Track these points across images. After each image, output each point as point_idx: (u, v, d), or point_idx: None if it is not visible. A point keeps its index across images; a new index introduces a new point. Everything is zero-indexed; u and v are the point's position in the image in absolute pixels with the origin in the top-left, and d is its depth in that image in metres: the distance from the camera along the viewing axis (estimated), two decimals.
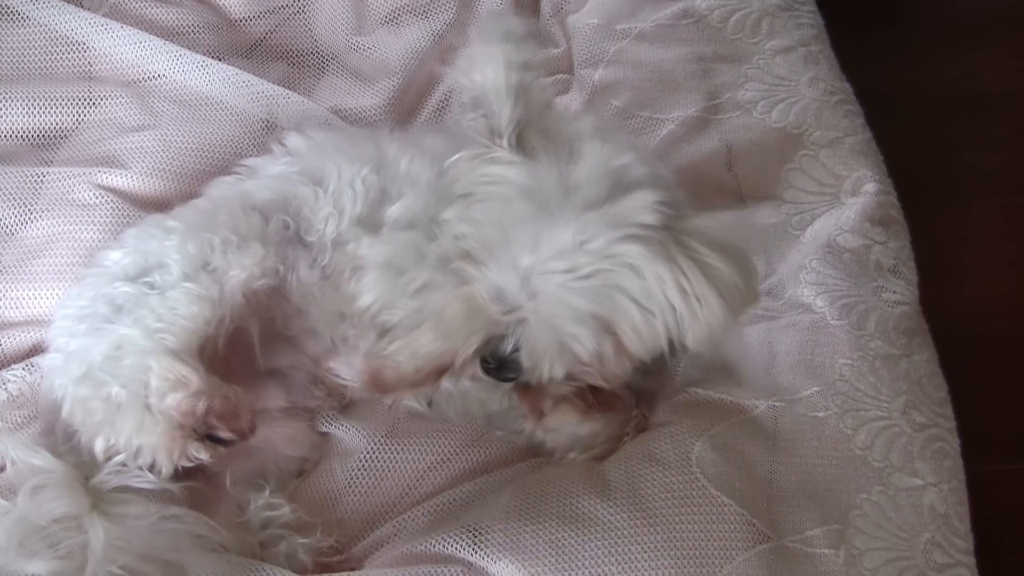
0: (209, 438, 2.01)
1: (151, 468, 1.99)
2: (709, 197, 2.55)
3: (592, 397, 2.02)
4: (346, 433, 2.18)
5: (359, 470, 2.12)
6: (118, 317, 2.00)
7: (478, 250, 1.87)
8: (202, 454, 2.00)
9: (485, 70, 1.87)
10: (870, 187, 2.46)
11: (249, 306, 2.08)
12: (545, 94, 1.97)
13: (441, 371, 1.99)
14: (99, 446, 1.99)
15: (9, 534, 1.87)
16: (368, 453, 2.13)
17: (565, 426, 2.04)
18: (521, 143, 1.89)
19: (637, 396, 2.11)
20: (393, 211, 2.08)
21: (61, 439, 2.04)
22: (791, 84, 2.71)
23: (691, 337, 1.85)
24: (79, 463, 2.01)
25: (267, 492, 2.08)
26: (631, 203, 1.81)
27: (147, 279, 2.02)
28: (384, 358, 2.02)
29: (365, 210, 2.12)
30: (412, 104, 2.88)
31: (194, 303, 2.01)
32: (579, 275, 1.80)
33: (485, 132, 1.90)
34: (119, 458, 1.99)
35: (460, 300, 1.90)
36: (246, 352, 2.12)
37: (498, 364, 1.93)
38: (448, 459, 2.12)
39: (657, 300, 1.82)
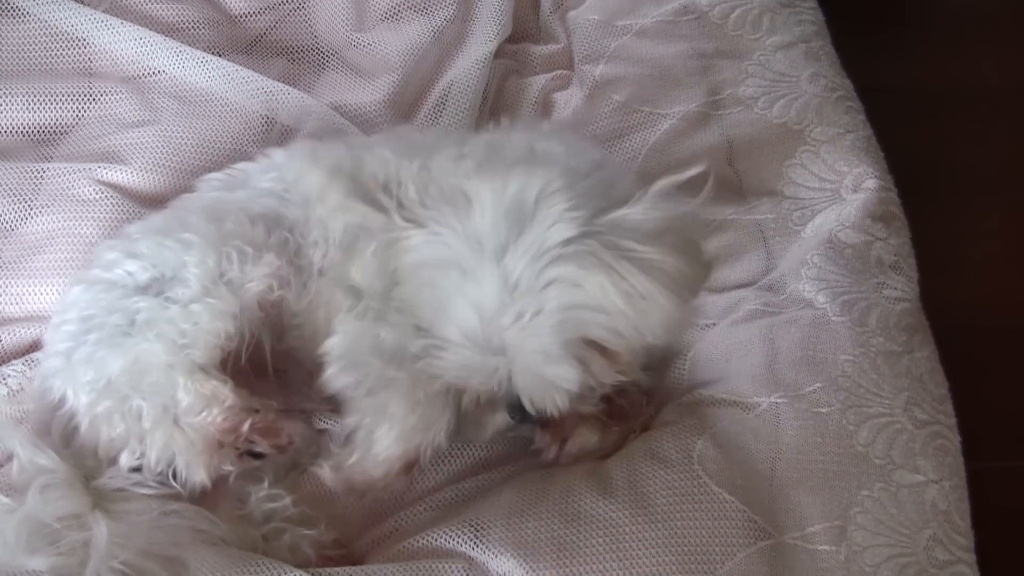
0: (247, 452, 2.04)
1: (175, 477, 2.01)
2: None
3: (609, 411, 2.02)
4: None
5: None
6: (137, 330, 1.99)
7: (428, 334, 1.89)
8: (237, 467, 2.03)
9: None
10: (871, 183, 2.46)
11: (264, 317, 2.08)
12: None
13: (410, 466, 2.01)
14: (125, 460, 1.99)
15: (17, 531, 1.88)
16: None
17: (586, 446, 2.03)
18: (413, 217, 1.88)
19: (647, 395, 2.12)
20: (355, 275, 2.05)
21: (59, 439, 2.04)
22: (792, 80, 2.71)
23: (648, 335, 1.85)
24: (78, 463, 2.01)
25: (266, 484, 2.07)
26: (540, 228, 1.79)
27: (166, 293, 2.00)
28: (350, 468, 2.02)
29: (348, 240, 2.11)
30: (412, 100, 2.87)
31: (217, 318, 2.00)
32: (528, 318, 1.79)
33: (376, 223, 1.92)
34: (131, 464, 2.00)
35: (414, 400, 1.95)
36: (259, 361, 2.12)
37: (520, 415, 1.93)
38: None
39: (609, 304, 1.81)
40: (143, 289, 2.02)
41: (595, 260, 1.78)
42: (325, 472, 2.03)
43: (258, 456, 2.06)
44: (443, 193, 1.87)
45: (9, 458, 2.08)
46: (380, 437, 1.97)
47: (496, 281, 1.79)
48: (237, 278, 2.03)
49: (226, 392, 2.01)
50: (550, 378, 1.84)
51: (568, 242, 1.78)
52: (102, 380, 1.99)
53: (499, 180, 1.83)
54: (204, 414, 1.99)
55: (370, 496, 2.05)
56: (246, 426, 2.01)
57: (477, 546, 1.87)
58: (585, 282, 1.78)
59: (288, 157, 2.23)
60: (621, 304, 1.79)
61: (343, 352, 2.02)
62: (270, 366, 2.12)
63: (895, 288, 2.24)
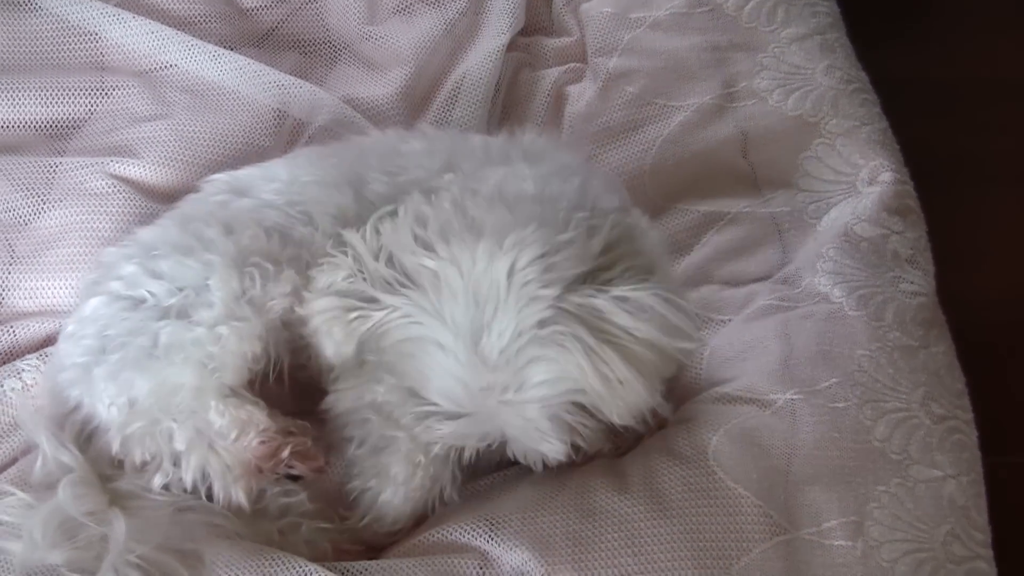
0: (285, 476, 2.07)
1: (210, 497, 2.02)
2: (724, 186, 2.56)
3: (621, 440, 2.01)
4: None
5: None
6: (163, 353, 1.97)
7: (421, 400, 1.88)
8: (273, 487, 2.05)
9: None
10: (887, 176, 2.46)
11: (287, 334, 2.06)
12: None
13: (421, 520, 2.02)
14: (158, 481, 2.00)
15: (44, 526, 1.89)
16: None
17: (600, 452, 2.00)
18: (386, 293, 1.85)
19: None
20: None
21: (73, 439, 2.04)
22: (807, 72, 2.70)
23: (616, 415, 1.82)
24: (95, 465, 2.02)
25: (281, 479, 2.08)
26: (514, 309, 1.76)
27: (190, 315, 1.99)
28: (362, 531, 2.03)
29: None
30: (424, 93, 2.86)
31: (244, 340, 2.00)
32: (512, 394, 1.78)
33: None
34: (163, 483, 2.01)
35: (415, 463, 1.95)
36: (279, 376, 2.12)
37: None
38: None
39: (587, 386, 1.78)
40: (167, 311, 1.99)
41: (572, 342, 1.75)
42: (345, 545, 2.02)
43: (295, 479, 2.07)
44: (409, 271, 1.83)
45: (24, 453, 2.10)
46: (387, 500, 1.98)
47: (476, 361, 1.77)
48: (259, 297, 2.01)
49: (261, 416, 2.02)
50: (542, 450, 1.84)
51: (544, 323, 1.76)
52: (123, 397, 1.99)
53: (467, 257, 1.79)
54: (240, 439, 2.00)
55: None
56: (286, 452, 2.03)
57: (492, 540, 1.87)
58: (563, 363, 1.76)
59: (288, 167, 2.22)
60: (599, 387, 1.77)
61: (344, 410, 2.03)
62: (287, 380, 2.11)
63: (911, 282, 2.23)
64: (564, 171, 2.03)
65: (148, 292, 2.01)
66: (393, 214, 1.94)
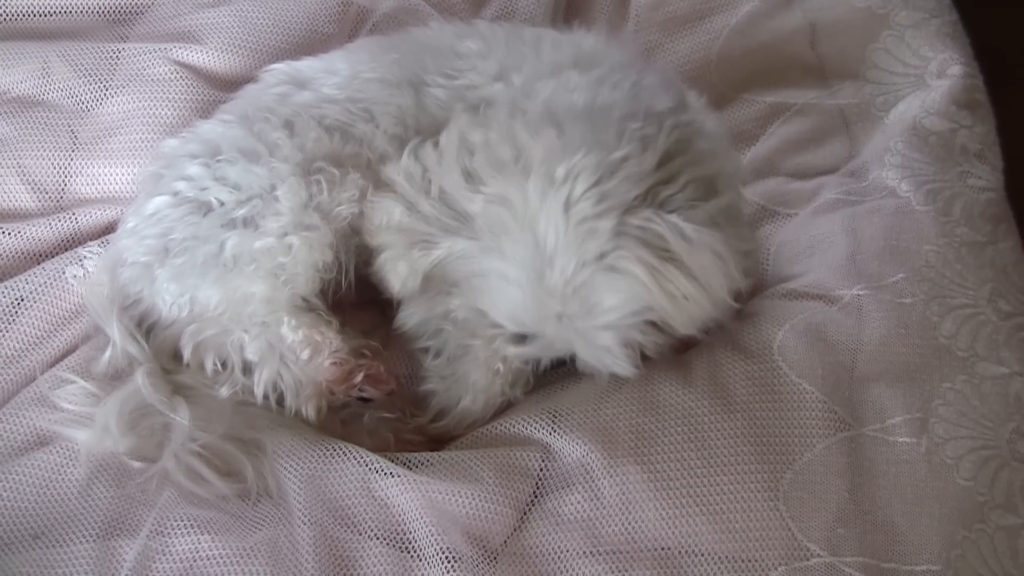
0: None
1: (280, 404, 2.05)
2: (792, 77, 2.54)
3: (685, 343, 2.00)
4: None
5: None
6: (231, 261, 1.99)
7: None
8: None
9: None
10: (956, 70, 2.43)
11: (356, 239, 2.06)
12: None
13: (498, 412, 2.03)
14: (226, 392, 2.02)
15: (119, 414, 1.92)
16: None
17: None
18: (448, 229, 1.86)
19: None
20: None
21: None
22: None
23: (683, 328, 1.84)
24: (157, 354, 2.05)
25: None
26: (575, 240, 1.76)
27: (258, 223, 1.99)
28: (434, 429, 2.04)
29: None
30: None
31: (315, 249, 2.01)
32: (580, 320, 1.80)
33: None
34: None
35: (494, 371, 1.97)
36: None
37: None
38: None
39: (655, 303, 1.79)
40: (234, 220, 1.99)
41: (635, 265, 1.76)
42: (407, 436, 2.04)
43: (366, 400, 2.08)
44: (461, 210, 1.84)
45: (84, 341, 2.12)
46: (466, 406, 1.99)
47: (542, 293, 1.79)
48: (327, 203, 2.02)
49: (334, 338, 2.04)
50: (613, 370, 1.86)
51: (605, 253, 1.77)
52: (186, 296, 2.01)
53: (518, 195, 1.79)
54: (312, 360, 2.02)
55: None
56: (359, 377, 2.04)
57: (554, 432, 1.88)
58: (630, 286, 1.77)
59: (348, 61, 2.20)
60: (666, 304, 1.79)
61: (417, 323, 2.04)
62: (352, 277, 2.12)
63: (980, 177, 2.21)
64: (616, 73, 2.01)
65: (216, 199, 2.01)
66: (433, 141, 1.95)
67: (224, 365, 2.04)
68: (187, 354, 2.03)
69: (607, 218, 1.75)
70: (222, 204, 2.00)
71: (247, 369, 2.03)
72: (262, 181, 2.00)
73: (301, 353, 2.01)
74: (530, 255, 1.78)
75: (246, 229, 1.98)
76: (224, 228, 1.99)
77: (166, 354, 2.05)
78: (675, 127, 1.88)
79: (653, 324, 1.84)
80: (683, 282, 1.77)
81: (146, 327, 2.07)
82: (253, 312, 2.00)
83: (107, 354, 2.03)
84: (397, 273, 1.91)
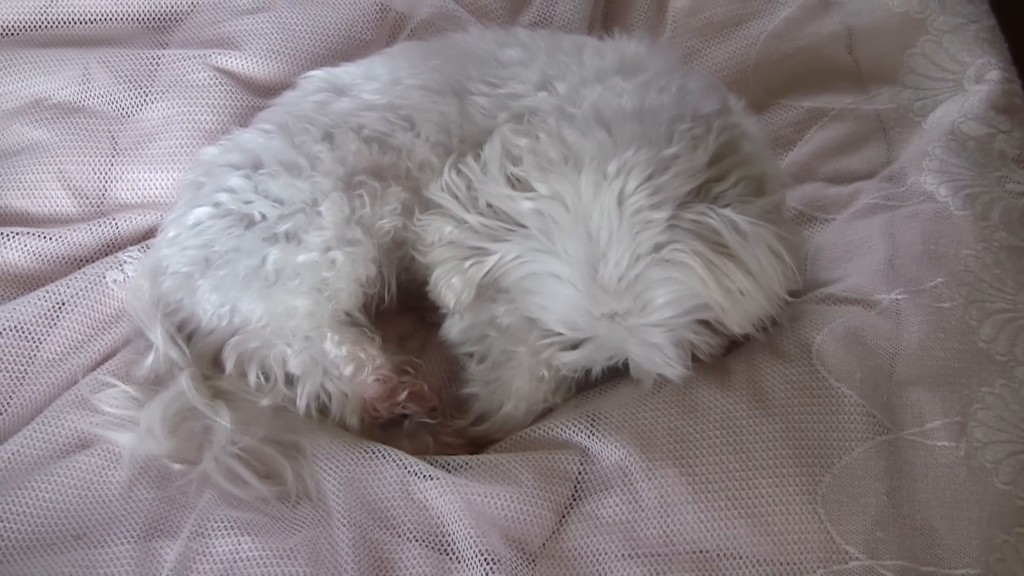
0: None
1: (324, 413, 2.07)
2: (829, 82, 2.54)
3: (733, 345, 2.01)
4: None
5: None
6: (274, 276, 2.00)
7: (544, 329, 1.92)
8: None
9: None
10: (994, 75, 2.43)
11: (399, 252, 2.10)
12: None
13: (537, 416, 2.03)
14: (267, 402, 2.03)
15: (163, 416, 1.93)
16: None
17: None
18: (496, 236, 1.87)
19: None
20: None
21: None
22: None
23: (738, 326, 1.85)
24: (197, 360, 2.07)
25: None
26: (628, 235, 1.78)
27: (301, 237, 2.00)
28: (473, 433, 2.05)
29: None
30: None
31: (359, 264, 2.02)
32: (633, 318, 1.82)
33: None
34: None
35: (538, 377, 1.98)
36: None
37: None
38: None
39: (710, 299, 1.81)
40: (276, 234, 2.00)
41: (692, 258, 1.77)
42: (446, 439, 2.05)
43: (405, 416, 2.09)
44: (510, 215, 1.85)
45: (124, 345, 2.14)
46: (508, 412, 2.00)
47: (595, 289, 1.80)
48: (369, 217, 2.03)
49: (375, 353, 2.06)
50: (664, 373, 1.87)
51: (660, 245, 1.78)
52: (226, 307, 2.03)
53: (570, 190, 1.80)
54: (355, 376, 2.04)
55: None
56: (403, 396, 2.06)
57: (593, 436, 1.88)
58: (685, 281, 1.79)
59: (388, 67, 2.21)
60: (722, 299, 1.80)
61: (461, 331, 2.06)
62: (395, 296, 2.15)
63: (1018, 182, 2.20)
64: (661, 78, 2.02)
65: (258, 212, 2.02)
66: (473, 154, 1.96)
67: (267, 377, 2.05)
68: (229, 365, 2.04)
69: (661, 210, 1.77)
70: (264, 217, 2.02)
71: (290, 381, 2.04)
72: (304, 195, 2.01)
73: (344, 369, 2.03)
74: (584, 250, 1.79)
75: (288, 243, 1.99)
76: (266, 242, 2.00)
77: (206, 360, 2.07)
78: (723, 129, 1.90)
79: (706, 323, 1.86)
80: (739, 276, 1.79)
81: (186, 333, 2.09)
82: (296, 326, 2.02)
83: (150, 359, 2.04)
84: (452, 287, 1.92)
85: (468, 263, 1.88)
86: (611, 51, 2.13)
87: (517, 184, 1.85)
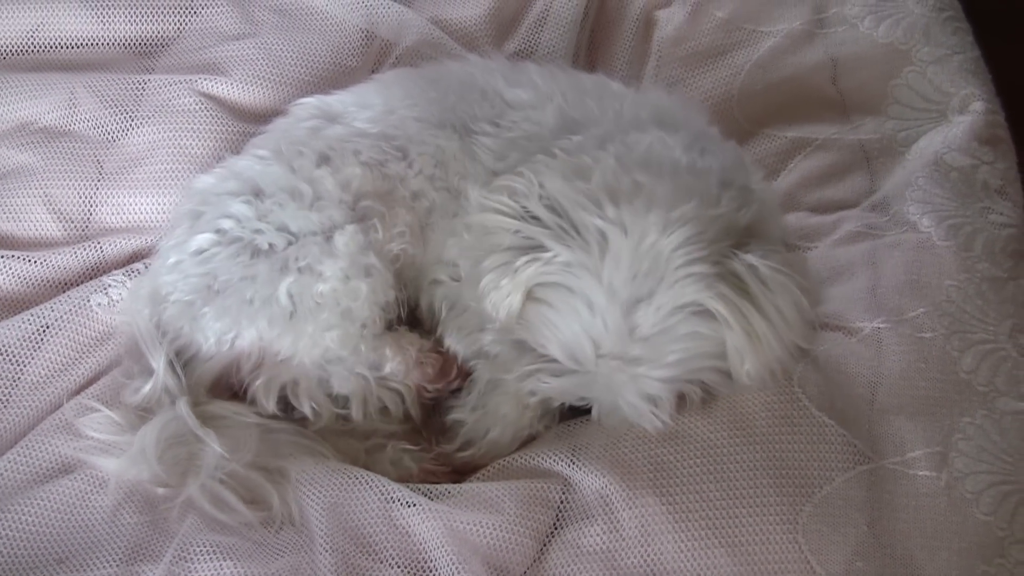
0: None
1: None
2: (813, 112, 2.54)
3: None
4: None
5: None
6: (289, 305, 2.00)
7: (534, 354, 1.92)
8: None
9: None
10: (978, 106, 2.43)
11: (411, 273, 2.14)
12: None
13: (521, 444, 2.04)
14: (316, 425, 2.06)
15: (157, 441, 1.93)
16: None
17: None
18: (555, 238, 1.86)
19: None
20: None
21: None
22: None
23: (748, 375, 1.85)
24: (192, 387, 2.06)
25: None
26: (673, 285, 1.79)
27: (317, 270, 1.99)
28: (458, 459, 2.06)
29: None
30: (512, 16, 2.84)
31: (379, 291, 2.04)
32: (645, 368, 1.82)
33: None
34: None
35: (524, 404, 1.99)
36: None
37: None
38: None
39: (729, 346, 1.82)
40: (287, 264, 2.00)
41: (720, 303, 1.79)
42: (429, 466, 2.06)
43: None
44: (576, 223, 1.84)
45: (109, 369, 2.14)
46: (494, 438, 2.01)
47: (622, 328, 1.80)
48: (379, 241, 2.04)
49: (413, 338, 2.11)
50: (642, 424, 1.87)
51: (696, 302, 1.79)
52: (230, 334, 2.01)
53: (638, 225, 1.81)
54: (408, 370, 2.08)
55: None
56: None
57: (574, 465, 1.88)
58: (711, 333, 1.81)
59: (382, 95, 2.22)
60: (742, 342, 1.81)
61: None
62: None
63: (1001, 213, 2.20)
64: (701, 140, 2.06)
65: (267, 241, 2.01)
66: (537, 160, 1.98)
67: (317, 408, 2.06)
68: (270, 403, 2.04)
69: (707, 264, 1.79)
70: (272, 247, 2.01)
71: (338, 402, 2.08)
72: (314, 225, 2.01)
73: (396, 368, 2.06)
74: (629, 288, 1.79)
75: (302, 275, 1.99)
76: (278, 272, 1.99)
77: (202, 387, 2.05)
78: (756, 201, 1.95)
79: (717, 373, 1.88)
80: (760, 322, 1.81)
81: (183, 360, 2.07)
82: (327, 352, 2.02)
83: (147, 387, 2.02)
84: (499, 290, 1.89)
85: (523, 260, 1.86)
86: (643, 100, 2.18)
87: (590, 196, 1.85)
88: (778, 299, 1.81)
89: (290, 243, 2.00)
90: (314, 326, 1.99)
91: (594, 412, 1.93)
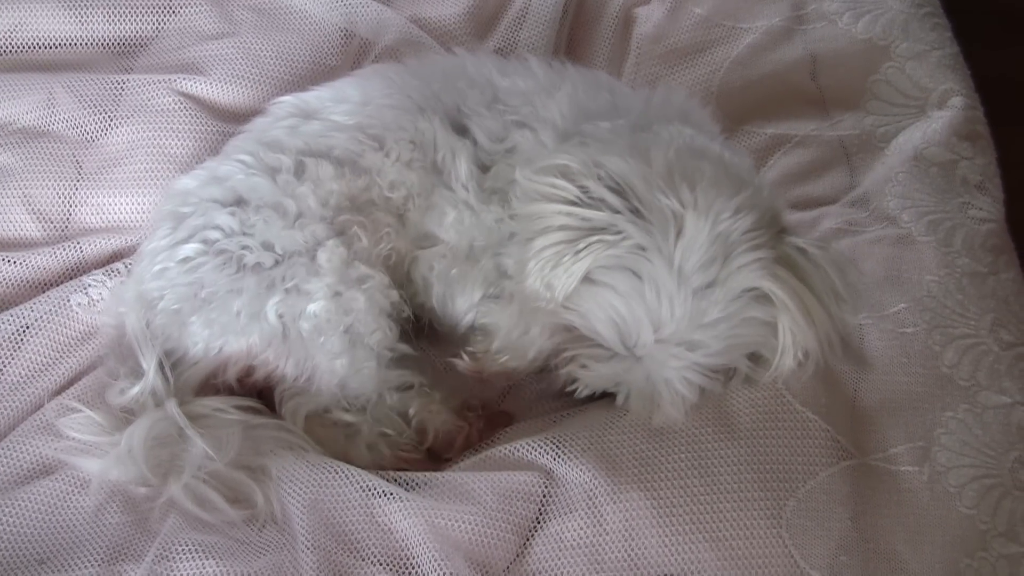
0: None
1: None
2: (792, 108, 2.55)
3: None
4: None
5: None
6: (279, 325, 2.00)
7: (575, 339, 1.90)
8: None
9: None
10: (957, 101, 2.44)
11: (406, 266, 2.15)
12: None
13: (539, 366, 2.03)
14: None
15: (144, 441, 1.92)
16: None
17: None
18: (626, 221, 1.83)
19: None
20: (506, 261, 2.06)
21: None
22: None
23: (794, 356, 1.85)
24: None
25: None
26: (739, 271, 1.79)
27: (303, 288, 1.99)
28: (489, 358, 2.05)
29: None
30: (492, 14, 2.84)
31: (377, 296, 2.04)
32: (700, 355, 1.81)
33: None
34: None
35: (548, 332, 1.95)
36: None
37: None
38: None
39: (781, 328, 1.83)
40: (275, 282, 1.99)
41: (784, 288, 1.79)
42: (463, 360, 2.07)
43: None
44: (645, 203, 1.81)
45: (89, 370, 2.14)
46: (534, 337, 1.97)
47: (689, 312, 1.78)
48: (366, 249, 2.05)
49: (434, 408, 2.10)
50: (666, 412, 1.86)
51: (757, 287, 1.80)
52: (217, 342, 2.01)
53: (714, 209, 1.79)
54: (423, 439, 2.08)
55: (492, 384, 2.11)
56: (476, 437, 2.08)
57: (558, 458, 1.88)
58: (766, 316, 1.82)
59: (360, 88, 2.21)
60: (800, 322, 1.81)
61: (502, 340, 2.05)
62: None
63: (980, 208, 2.22)
64: (720, 137, 2.12)
65: (254, 259, 1.99)
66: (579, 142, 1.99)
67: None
68: (295, 424, 2.05)
69: (767, 249, 1.80)
70: (259, 264, 2.00)
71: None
72: (298, 244, 2.01)
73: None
74: (702, 272, 1.78)
75: (288, 295, 1.98)
76: (266, 289, 1.99)
77: (189, 389, 2.04)
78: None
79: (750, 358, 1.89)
80: (811, 300, 1.81)
81: (171, 362, 2.05)
82: (343, 381, 2.04)
83: (136, 388, 2.00)
84: (561, 269, 1.85)
85: (584, 243, 1.82)
86: (667, 97, 2.19)
87: (653, 179, 1.84)
88: (828, 277, 1.82)
89: (277, 262, 2.00)
90: (320, 353, 2.00)
91: (619, 398, 1.92)
